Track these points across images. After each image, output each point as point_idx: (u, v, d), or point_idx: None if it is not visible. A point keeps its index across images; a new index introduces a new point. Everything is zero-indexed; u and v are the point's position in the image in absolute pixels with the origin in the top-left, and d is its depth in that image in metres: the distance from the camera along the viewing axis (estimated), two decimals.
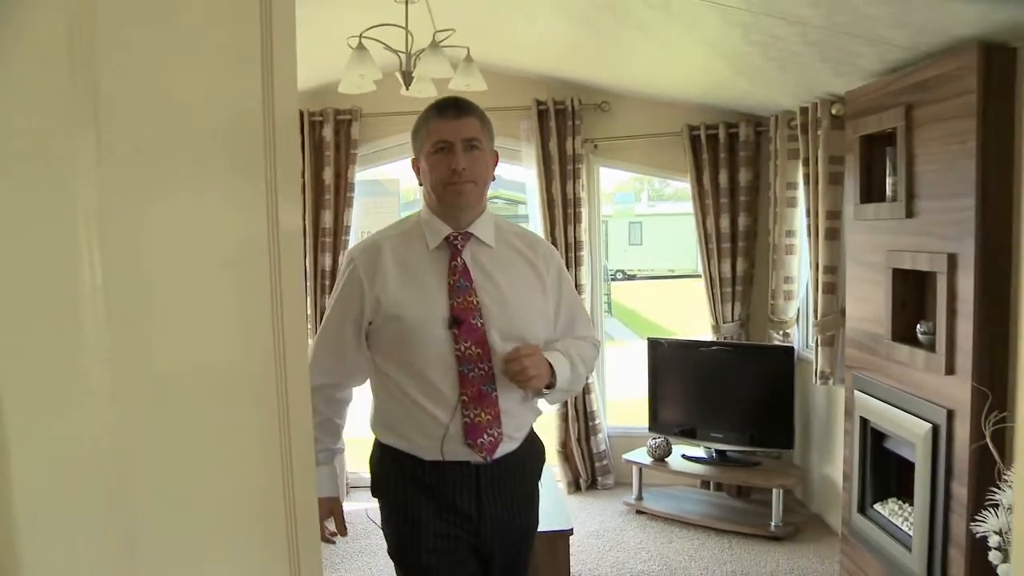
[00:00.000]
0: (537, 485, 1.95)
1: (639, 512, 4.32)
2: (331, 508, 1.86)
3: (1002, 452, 2.27)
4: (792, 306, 4.15)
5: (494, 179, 1.84)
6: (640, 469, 4.35)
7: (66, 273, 0.61)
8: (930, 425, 2.61)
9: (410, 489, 1.78)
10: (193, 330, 0.75)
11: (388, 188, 5.83)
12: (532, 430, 1.90)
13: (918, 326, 2.74)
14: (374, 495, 1.87)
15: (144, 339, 0.69)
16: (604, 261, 6.57)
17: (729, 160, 4.32)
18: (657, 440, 4.35)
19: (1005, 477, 2.22)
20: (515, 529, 1.86)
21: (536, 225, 4.55)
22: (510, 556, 1.89)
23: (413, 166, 1.84)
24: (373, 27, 3.04)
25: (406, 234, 1.79)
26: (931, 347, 2.64)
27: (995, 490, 2.23)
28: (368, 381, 1.89)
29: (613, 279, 16.72)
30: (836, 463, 3.72)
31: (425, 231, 1.77)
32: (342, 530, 1.89)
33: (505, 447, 1.77)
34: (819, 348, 3.70)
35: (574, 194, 4.48)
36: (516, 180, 5.45)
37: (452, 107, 1.75)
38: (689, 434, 4.32)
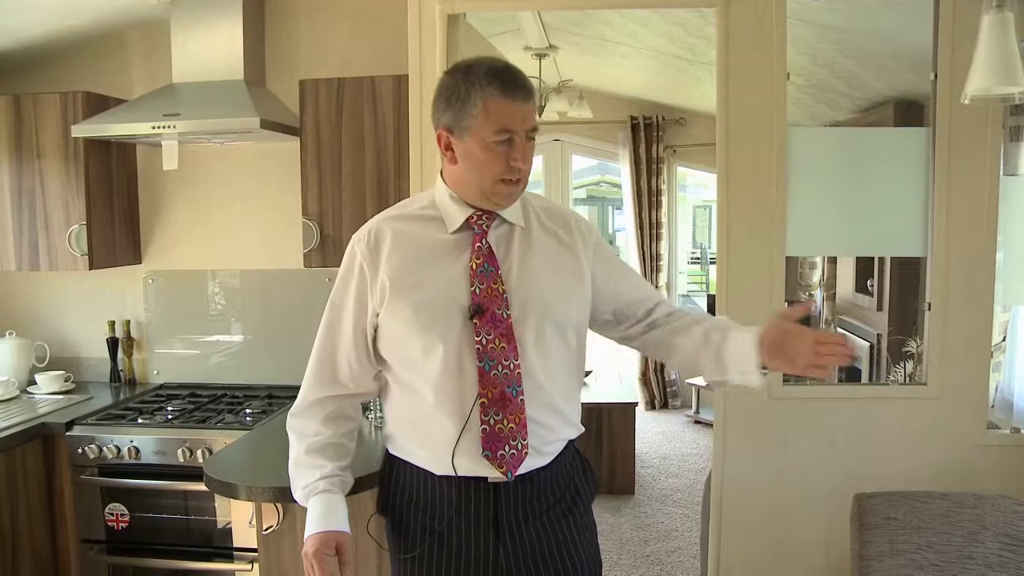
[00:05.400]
0: (584, 514, 1.57)
1: (696, 422, 5.88)
2: (339, 543, 1.45)
3: (893, 356, 3.73)
4: (815, 274, 5.56)
5: None
6: (698, 390, 5.90)
7: None
8: (869, 343, 4.07)
9: (411, 514, 1.51)
10: None
11: None
12: (574, 449, 1.58)
13: (868, 282, 4.18)
14: (380, 513, 1.58)
15: None
16: (704, 245, 8.03)
17: None
18: None
19: (894, 370, 3.70)
20: (554, 562, 1.50)
21: (627, 208, 6.15)
22: None
23: (441, 141, 1.44)
24: None
25: (418, 216, 1.51)
26: (871, 294, 4.09)
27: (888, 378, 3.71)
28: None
29: (712, 262, 17.67)
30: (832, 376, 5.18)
31: (443, 213, 1.49)
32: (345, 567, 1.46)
33: (532, 463, 1.47)
34: (825, 302, 5.14)
35: (656, 186, 6.06)
36: (615, 175, 7.23)
37: (522, 86, 1.39)
38: None
